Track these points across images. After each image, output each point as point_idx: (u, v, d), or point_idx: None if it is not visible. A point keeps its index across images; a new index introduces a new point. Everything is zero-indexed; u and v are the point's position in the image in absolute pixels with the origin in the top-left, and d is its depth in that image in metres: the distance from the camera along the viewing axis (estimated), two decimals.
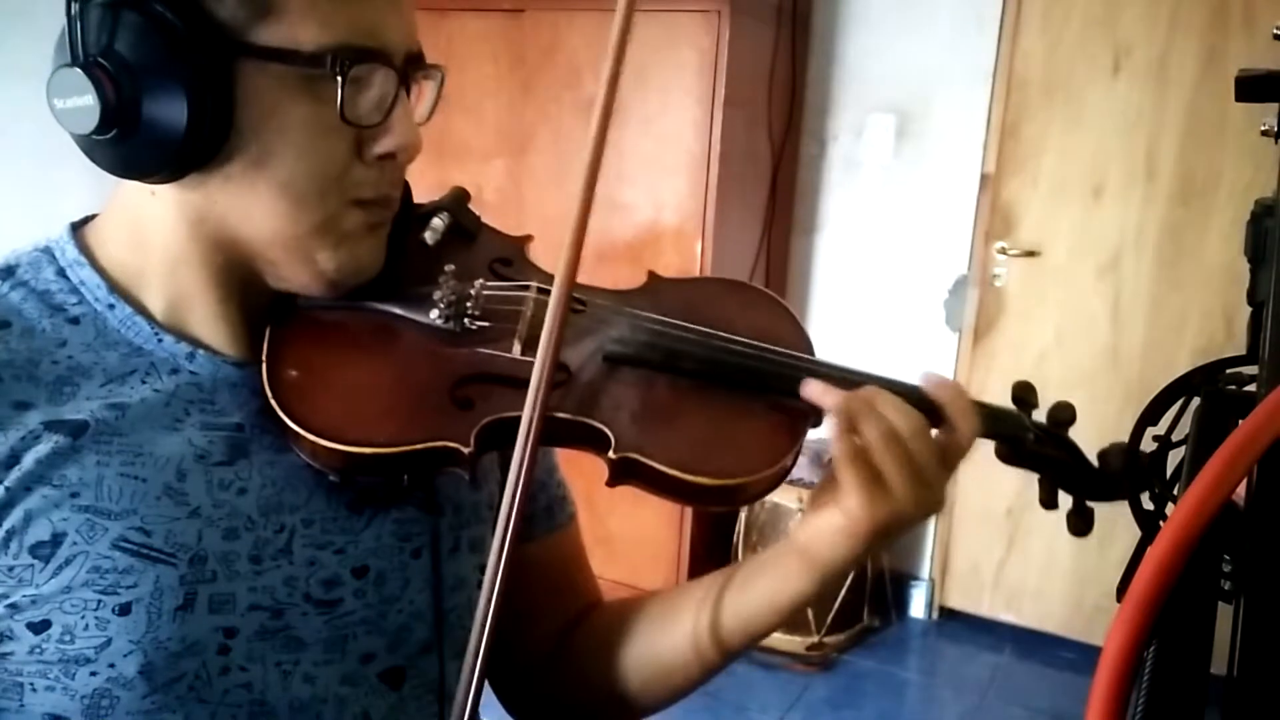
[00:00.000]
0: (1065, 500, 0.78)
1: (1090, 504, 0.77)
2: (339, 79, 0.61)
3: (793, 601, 0.71)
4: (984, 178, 3.06)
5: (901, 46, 3.10)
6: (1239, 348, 0.66)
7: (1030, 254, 3.07)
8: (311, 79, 0.61)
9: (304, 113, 0.62)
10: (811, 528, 0.70)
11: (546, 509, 0.85)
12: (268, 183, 0.63)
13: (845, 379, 0.72)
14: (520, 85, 2.98)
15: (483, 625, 0.60)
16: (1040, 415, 0.78)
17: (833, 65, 3.21)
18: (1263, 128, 0.68)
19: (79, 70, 0.59)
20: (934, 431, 0.69)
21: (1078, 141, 2.96)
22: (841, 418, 0.66)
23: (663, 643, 0.78)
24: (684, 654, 0.77)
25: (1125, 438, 0.73)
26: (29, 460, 0.60)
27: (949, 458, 0.68)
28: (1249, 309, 0.64)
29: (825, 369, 0.74)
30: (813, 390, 0.69)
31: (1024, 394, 0.77)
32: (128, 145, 0.61)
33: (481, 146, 3.05)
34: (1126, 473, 0.74)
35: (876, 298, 3.25)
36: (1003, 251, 3.09)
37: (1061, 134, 2.98)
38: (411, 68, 0.67)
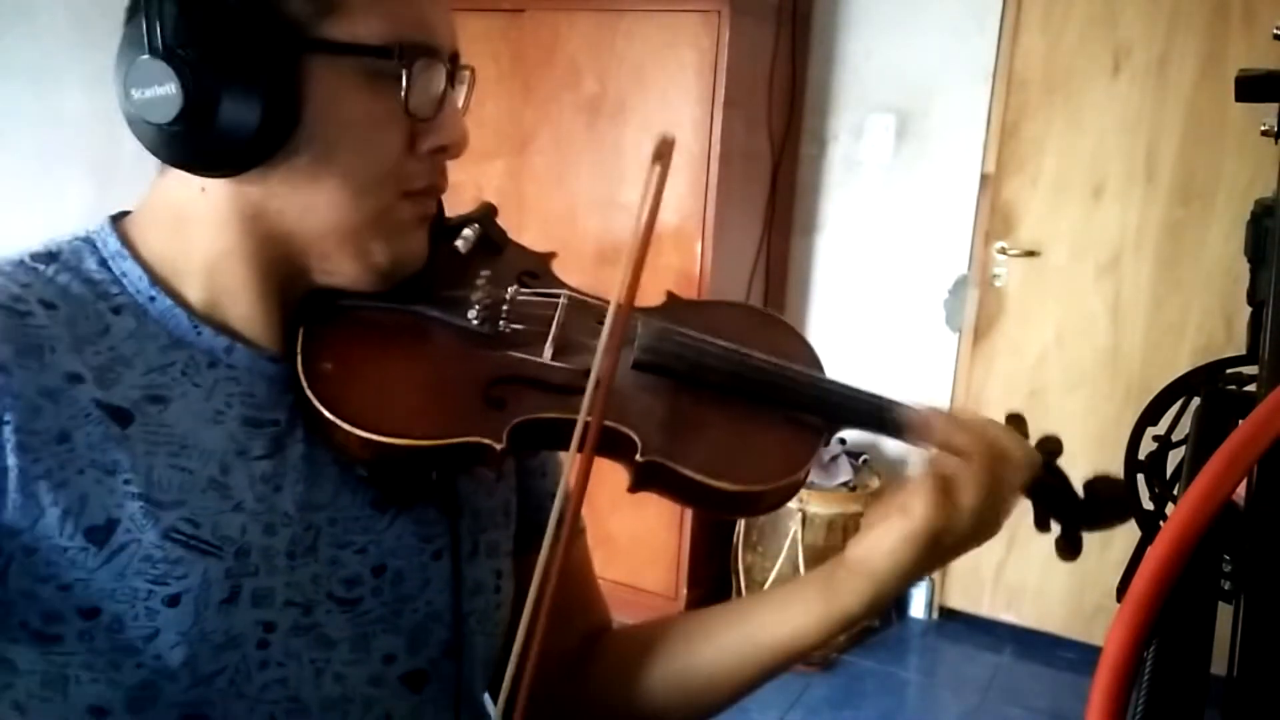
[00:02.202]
0: (1057, 525, 0.81)
1: (1078, 532, 0.80)
2: (404, 72, 0.63)
3: (843, 621, 0.73)
4: (984, 178, 3.06)
5: (901, 46, 3.10)
6: (1239, 348, 0.66)
7: (1030, 254, 3.07)
8: (373, 73, 0.63)
9: (366, 106, 0.64)
10: (869, 540, 0.72)
11: (558, 521, 0.85)
12: (330, 174, 0.65)
13: (874, 401, 0.76)
14: (520, 85, 2.98)
15: (527, 636, 0.61)
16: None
17: (833, 65, 3.21)
18: (1263, 128, 0.68)
19: (162, 60, 0.60)
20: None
21: (1078, 141, 2.96)
22: (943, 439, 0.71)
23: (704, 662, 0.79)
24: (728, 672, 0.78)
25: (1125, 437, 0.74)
26: (80, 441, 0.60)
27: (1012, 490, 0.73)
28: (1249, 309, 0.64)
29: (838, 387, 0.77)
30: (919, 421, 0.73)
31: (1016, 425, 0.79)
32: (200, 138, 0.62)
33: (481, 146, 3.04)
34: (1112, 501, 0.77)
35: (876, 298, 3.25)
36: (1003, 251, 3.09)
37: (1061, 134, 2.97)
38: (454, 65, 0.69)
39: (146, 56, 0.60)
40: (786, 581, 0.79)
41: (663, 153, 0.63)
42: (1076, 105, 2.94)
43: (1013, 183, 3.06)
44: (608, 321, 0.65)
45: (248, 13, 0.60)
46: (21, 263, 0.66)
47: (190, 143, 0.63)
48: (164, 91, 0.60)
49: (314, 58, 0.62)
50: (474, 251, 0.76)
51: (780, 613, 0.76)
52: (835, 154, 3.26)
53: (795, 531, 2.94)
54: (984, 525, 0.71)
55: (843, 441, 3.12)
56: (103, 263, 0.68)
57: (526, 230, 3.10)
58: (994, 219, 3.08)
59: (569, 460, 0.64)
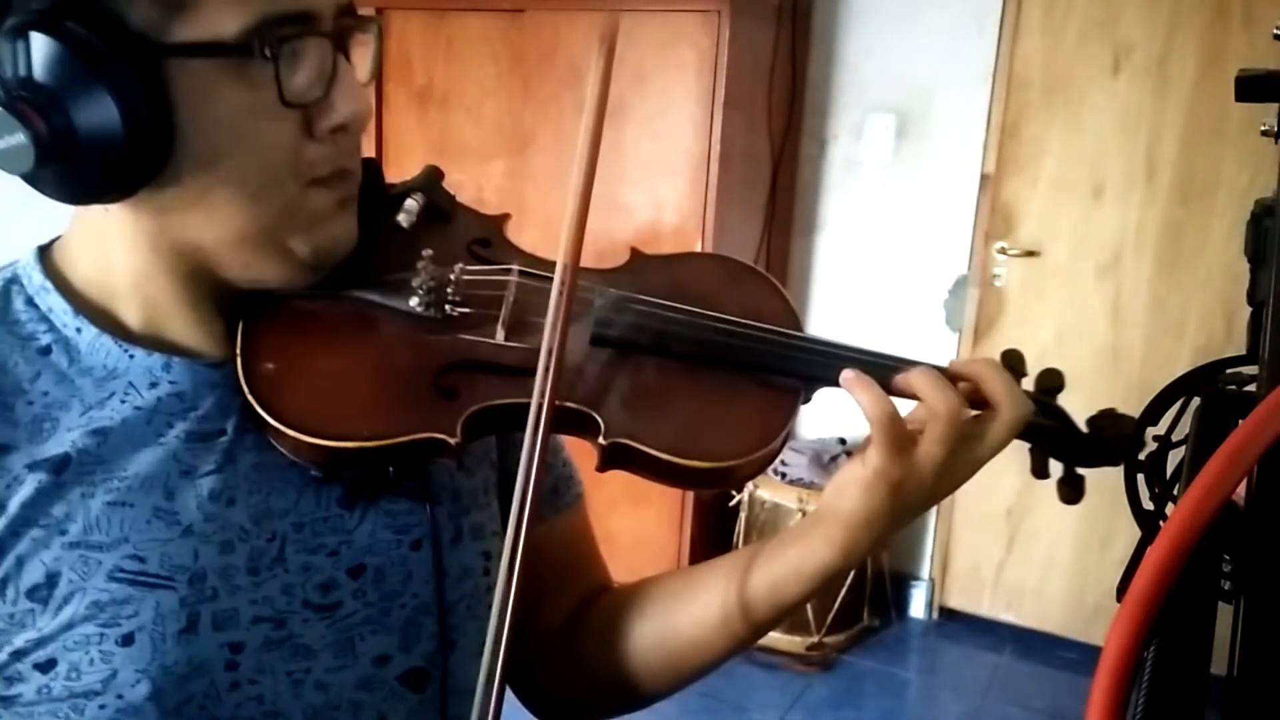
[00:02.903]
0: (1057, 469, 0.76)
1: (1080, 471, 0.76)
2: (270, 60, 0.57)
3: (818, 569, 0.70)
4: (984, 178, 3.06)
5: (901, 46, 3.10)
6: (1239, 348, 0.66)
7: (1030, 254, 3.07)
8: (243, 66, 0.58)
9: (242, 103, 0.59)
10: (832, 486, 0.70)
11: (553, 489, 0.83)
12: (221, 183, 0.60)
13: (849, 356, 0.72)
14: (520, 85, 2.98)
15: (500, 622, 0.58)
16: (1029, 384, 0.77)
17: (833, 65, 3.21)
18: (1263, 128, 0.68)
19: (3, 109, 0.55)
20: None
21: (1078, 141, 2.96)
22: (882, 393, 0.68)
23: (685, 618, 0.77)
24: (709, 628, 0.75)
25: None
26: (14, 505, 0.59)
27: (990, 441, 0.69)
28: (1249, 309, 0.64)
29: (813, 344, 0.73)
30: (849, 377, 0.69)
31: (1013, 363, 0.75)
32: (70, 174, 0.58)
33: (481, 146, 3.05)
34: (1118, 438, 0.73)
35: (876, 298, 3.25)
36: (1003, 251, 3.09)
37: (1061, 134, 2.98)
38: (346, 23, 0.63)
39: None
40: (773, 538, 0.76)
41: (608, 35, 0.55)
42: (1076, 105, 2.94)
43: (1013, 183, 3.06)
44: (554, 289, 0.60)
45: (90, 36, 0.55)
46: None
47: (61, 183, 0.59)
48: (14, 141, 0.55)
49: (172, 64, 0.56)
50: (418, 224, 0.71)
51: (759, 568, 0.73)
52: (835, 154, 3.26)
53: None
54: (952, 476, 0.68)
55: (843, 442, 3.12)
56: (29, 300, 0.65)
57: (526, 230, 3.10)
58: (994, 219, 3.08)
59: (525, 443, 0.60)
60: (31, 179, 0.59)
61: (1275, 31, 0.73)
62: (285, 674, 0.64)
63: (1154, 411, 0.71)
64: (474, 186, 3.01)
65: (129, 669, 0.59)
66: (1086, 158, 2.96)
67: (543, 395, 0.60)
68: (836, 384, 0.71)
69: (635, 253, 0.78)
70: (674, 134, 2.81)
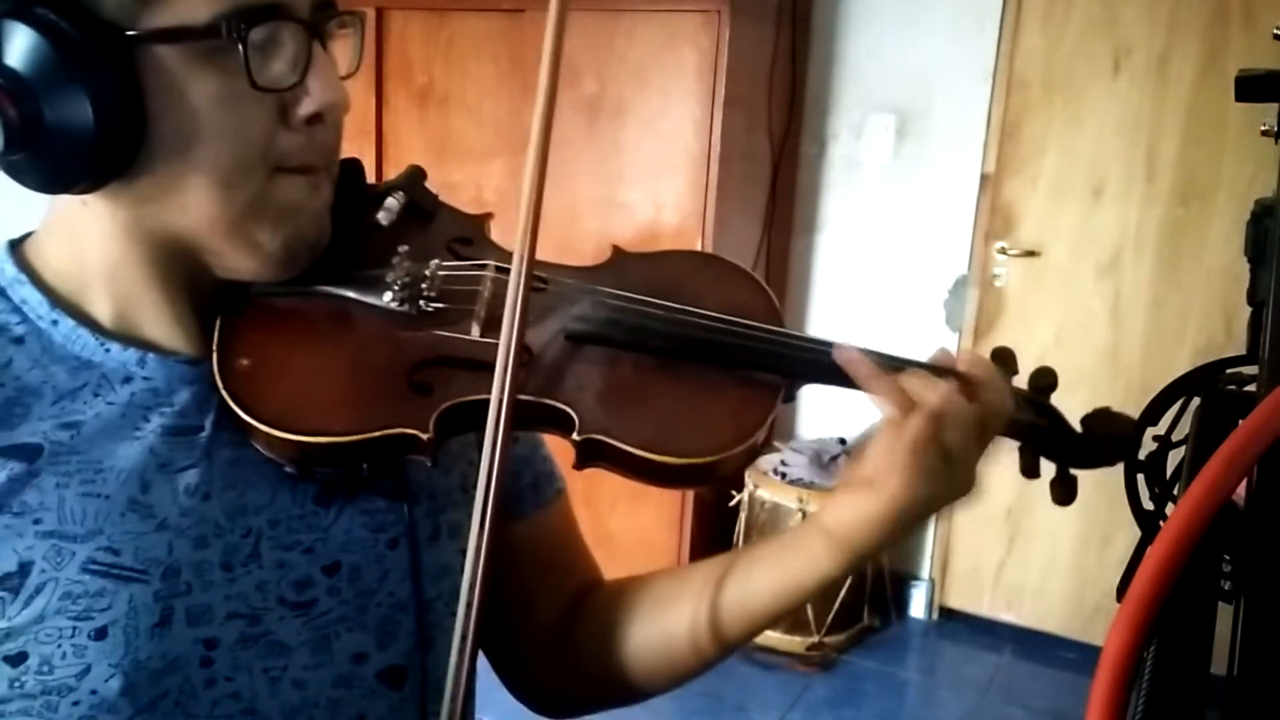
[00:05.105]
0: (1048, 469, 0.75)
1: (1074, 472, 0.75)
2: (240, 45, 0.58)
3: (817, 583, 0.70)
4: (984, 178, 3.06)
5: (901, 46, 3.10)
6: (1239, 348, 0.66)
7: (1030, 254, 3.07)
8: (214, 52, 0.58)
9: (214, 89, 0.59)
10: (843, 511, 0.68)
11: (532, 485, 0.82)
12: (194, 169, 0.60)
13: (831, 351, 0.70)
14: (520, 85, 2.98)
15: (467, 614, 0.58)
16: (1021, 382, 0.75)
17: (833, 65, 3.21)
18: (1263, 128, 0.68)
19: None
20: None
21: (1078, 141, 2.96)
22: (896, 400, 0.65)
23: (666, 627, 0.77)
24: (684, 639, 0.75)
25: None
26: None
27: (986, 432, 0.68)
28: (1249, 309, 0.64)
29: (794, 339, 0.72)
30: (846, 357, 0.67)
31: (1003, 360, 0.74)
32: (42, 161, 0.58)
33: (481, 146, 3.04)
34: (1111, 437, 0.72)
35: (876, 298, 3.25)
36: (1003, 251, 3.09)
37: (1061, 134, 2.97)
38: (322, 17, 0.63)
39: None
40: (752, 547, 0.75)
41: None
42: (1076, 105, 2.94)
43: (1013, 183, 3.06)
44: (512, 278, 0.60)
45: (62, 23, 0.55)
46: None
47: (31, 168, 0.59)
48: None
49: (144, 52, 0.57)
50: (398, 222, 0.71)
51: (758, 577, 0.72)
52: (835, 154, 3.26)
53: None
54: (962, 484, 0.68)
55: (842, 442, 3.12)
56: (1, 292, 0.65)
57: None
58: (994, 219, 3.08)
59: (488, 436, 0.58)
60: (8, 168, 0.59)
61: (1275, 31, 0.73)
62: (262, 671, 0.64)
63: (1154, 411, 0.71)
64: (474, 186, 3.00)
65: (102, 663, 0.59)
66: (1086, 158, 2.96)
67: (502, 388, 0.59)
68: (819, 380, 0.70)
69: (617, 250, 0.77)
70: (674, 134, 2.80)
